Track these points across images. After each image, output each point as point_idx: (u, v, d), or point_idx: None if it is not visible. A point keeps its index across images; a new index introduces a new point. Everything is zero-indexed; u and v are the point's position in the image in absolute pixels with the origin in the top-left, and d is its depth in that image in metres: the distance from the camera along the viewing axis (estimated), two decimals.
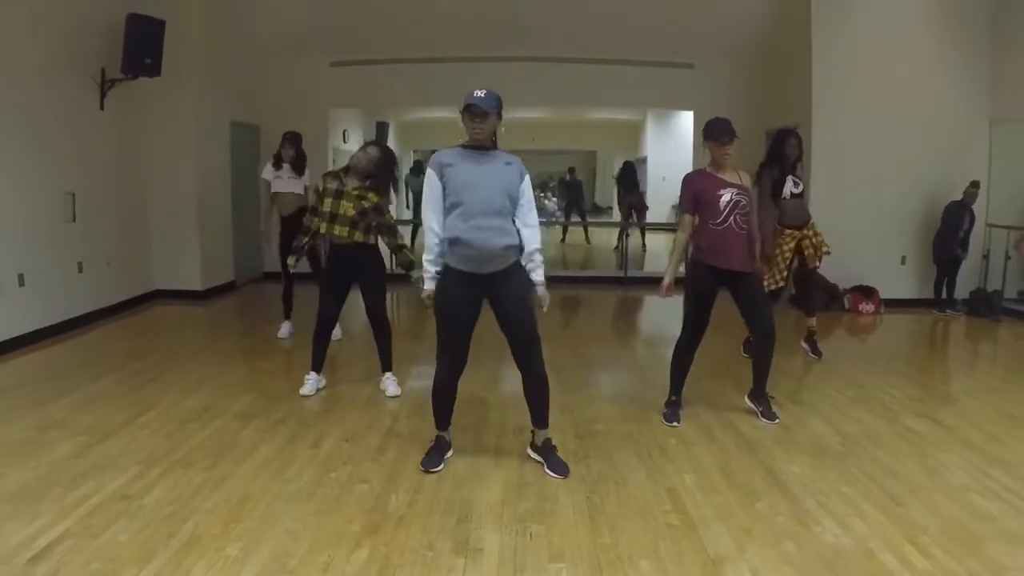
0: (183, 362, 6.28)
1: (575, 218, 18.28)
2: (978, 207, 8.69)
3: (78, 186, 7.51)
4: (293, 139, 7.05)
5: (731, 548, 3.19)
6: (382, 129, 19.25)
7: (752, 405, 4.94)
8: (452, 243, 3.76)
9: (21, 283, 6.68)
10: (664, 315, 10.14)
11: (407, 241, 5.30)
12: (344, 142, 16.69)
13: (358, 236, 5.15)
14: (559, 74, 11.26)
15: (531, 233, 3.89)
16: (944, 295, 8.82)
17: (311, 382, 5.38)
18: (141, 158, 8.82)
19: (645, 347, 7.74)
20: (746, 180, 4.74)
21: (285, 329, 7.16)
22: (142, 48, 7.74)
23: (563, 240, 18.04)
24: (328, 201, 5.11)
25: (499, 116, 3.85)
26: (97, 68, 7.71)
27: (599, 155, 26.92)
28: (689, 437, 4.56)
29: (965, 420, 4.89)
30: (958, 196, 8.60)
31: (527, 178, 3.91)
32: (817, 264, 6.34)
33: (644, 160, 20.83)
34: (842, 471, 4.03)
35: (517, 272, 3.89)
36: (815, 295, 6.81)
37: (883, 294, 8.98)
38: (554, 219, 19.97)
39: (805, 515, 3.49)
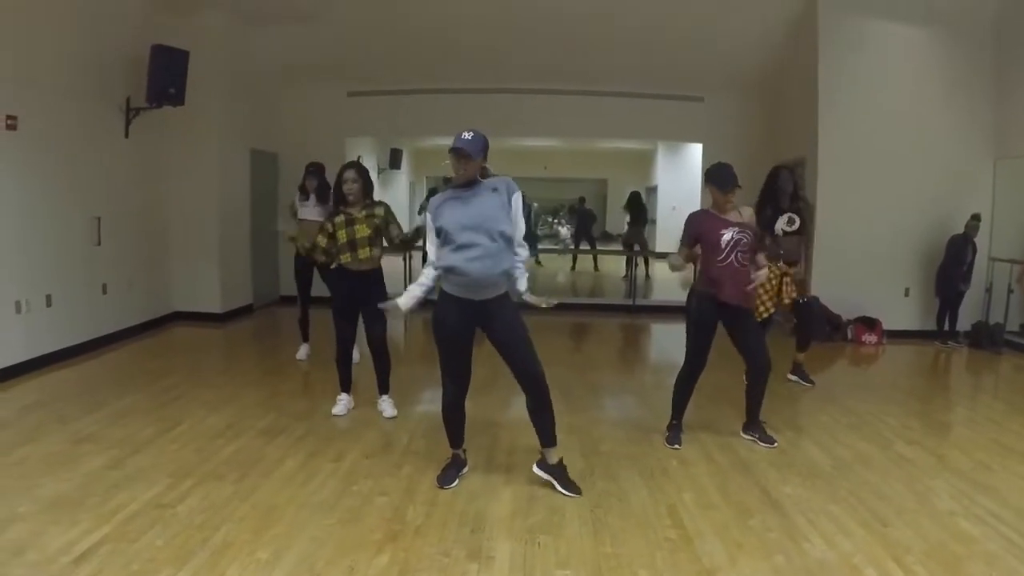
0: (206, 381, 6.53)
1: (584, 245, 18.51)
2: (981, 241, 8.85)
3: (104, 210, 7.78)
4: (316, 170, 7.34)
5: (724, 560, 3.43)
6: (396, 155, 19.56)
7: (748, 437, 5.17)
8: (447, 271, 4.00)
9: (49, 303, 6.93)
10: (670, 343, 10.38)
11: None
12: None
13: (376, 252, 5.45)
14: (571, 105, 11.52)
15: (522, 252, 4.15)
16: (946, 327, 8.94)
17: (343, 402, 5.66)
18: (163, 184, 9.09)
19: (651, 374, 7.98)
20: (747, 215, 4.97)
21: (303, 351, 7.45)
22: (166, 78, 7.98)
23: (573, 268, 18.24)
24: (342, 232, 5.37)
25: (484, 157, 4.08)
26: (123, 97, 8.01)
27: (610, 183, 27.18)
28: (689, 458, 4.80)
29: (957, 449, 5.09)
30: (961, 229, 8.75)
31: (517, 195, 4.07)
32: (787, 301, 6.43)
33: (655, 189, 21.07)
34: (832, 493, 4.25)
35: (508, 300, 4.13)
36: (812, 330, 6.89)
37: (886, 325, 9.11)
38: (567, 245, 20.21)
39: (795, 531, 3.73)
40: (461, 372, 4.18)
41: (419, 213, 15.86)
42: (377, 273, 5.52)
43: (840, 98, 9.18)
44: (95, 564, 3.24)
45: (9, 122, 6.31)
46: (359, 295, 5.45)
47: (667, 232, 19.45)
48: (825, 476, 4.53)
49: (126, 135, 8.13)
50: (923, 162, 9.13)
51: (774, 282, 6.34)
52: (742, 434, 5.21)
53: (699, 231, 4.88)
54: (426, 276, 4.18)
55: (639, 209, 16.60)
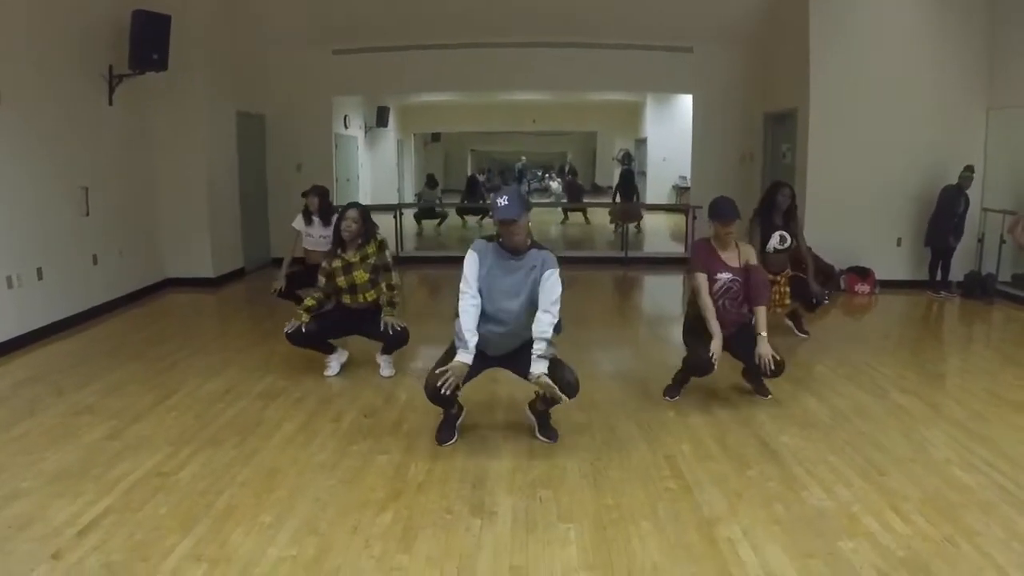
0: (202, 347, 6.52)
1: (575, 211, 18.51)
2: (973, 191, 8.80)
3: (91, 180, 7.65)
4: (317, 191, 7.13)
5: (724, 509, 3.48)
6: (383, 113, 19.37)
7: (746, 383, 5.20)
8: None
9: (40, 277, 6.85)
10: (662, 295, 10.45)
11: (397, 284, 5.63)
12: (345, 127, 16.83)
13: (376, 295, 5.46)
14: (558, 58, 11.39)
15: (546, 318, 3.96)
16: (938, 277, 8.93)
17: (333, 362, 5.65)
18: (150, 150, 8.98)
19: (645, 326, 8.02)
20: (746, 254, 4.91)
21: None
22: (148, 43, 7.83)
23: (564, 221, 18.25)
24: (341, 279, 5.38)
25: (528, 211, 4.03)
26: (105, 65, 7.85)
27: (599, 136, 27.02)
28: (687, 411, 4.84)
29: (952, 399, 5.12)
30: (954, 180, 8.70)
31: (554, 272, 4.01)
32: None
33: (644, 141, 21.01)
34: (830, 443, 4.30)
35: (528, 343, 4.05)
36: (811, 291, 6.80)
37: (878, 275, 9.13)
38: (558, 199, 20.21)
39: (793, 481, 3.77)
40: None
41: (416, 195, 15.66)
42: (374, 310, 5.51)
43: (831, 47, 9.10)
44: (100, 534, 3.25)
45: None
46: (352, 325, 5.53)
47: (657, 182, 19.49)
48: (823, 427, 4.56)
49: (110, 103, 7.99)
50: (915, 112, 9.06)
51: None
52: (741, 376, 5.23)
53: (702, 262, 4.85)
54: (470, 341, 3.98)
55: (630, 187, 16.63)
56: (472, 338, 3.94)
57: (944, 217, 8.74)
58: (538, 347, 3.92)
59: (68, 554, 3.09)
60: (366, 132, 19.04)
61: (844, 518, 3.39)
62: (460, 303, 4.01)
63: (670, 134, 18.26)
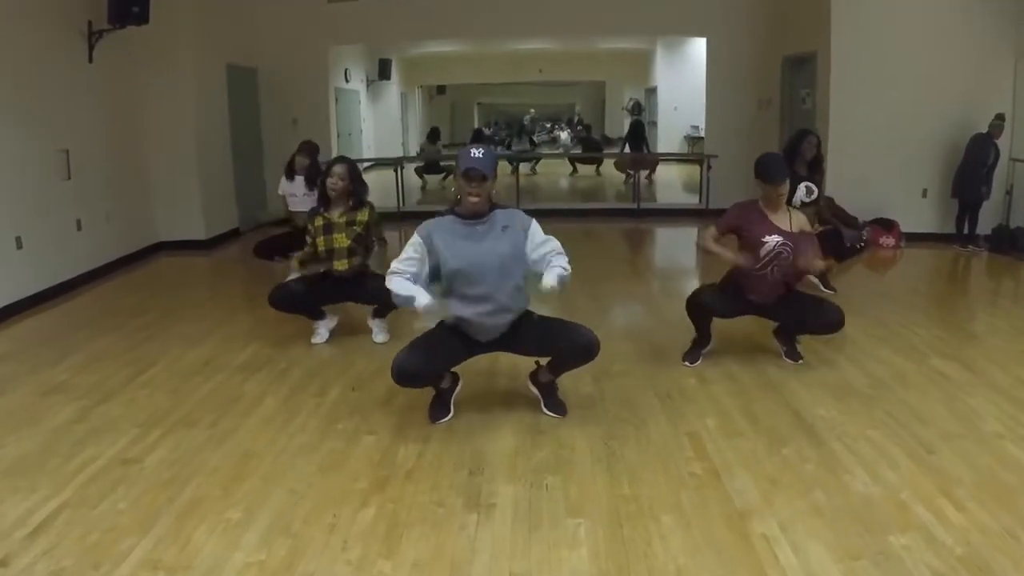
0: (187, 314, 6.16)
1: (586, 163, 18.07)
2: (1002, 142, 8.27)
3: (71, 142, 7.25)
4: (308, 149, 6.69)
5: (757, 499, 3.03)
6: (385, 65, 18.89)
7: (777, 343, 4.74)
8: (458, 319, 3.65)
9: (19, 246, 6.46)
10: (676, 248, 9.99)
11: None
12: (346, 81, 16.41)
13: (357, 261, 5.00)
14: (566, 2, 10.91)
15: (558, 262, 3.57)
16: (966, 230, 8.48)
17: (321, 329, 5.23)
18: (135, 109, 8.54)
19: (659, 280, 7.55)
20: (798, 223, 4.41)
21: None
22: None
23: (573, 172, 17.82)
24: (321, 240, 4.94)
25: (495, 177, 3.59)
26: (84, 20, 7.39)
27: (608, 86, 26.42)
28: (709, 377, 4.38)
29: (992, 362, 4.65)
30: (983, 128, 8.19)
31: (533, 225, 3.63)
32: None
33: (654, 90, 20.51)
34: (870, 415, 3.84)
35: (526, 319, 3.73)
36: (844, 236, 6.44)
37: (903, 228, 8.68)
38: (567, 150, 19.90)
39: (834, 462, 3.33)
40: (438, 367, 3.74)
41: (416, 169, 15.21)
42: (363, 275, 5.04)
43: None
44: (52, 536, 2.86)
45: None
46: (342, 292, 5.11)
47: (669, 133, 19.01)
48: (861, 396, 4.11)
49: (90, 60, 7.53)
50: (942, 57, 8.48)
51: None
52: (773, 337, 4.77)
53: (739, 225, 4.35)
54: (415, 289, 3.55)
55: (640, 138, 16.24)
56: (415, 285, 3.53)
57: (973, 167, 8.22)
58: (557, 262, 3.57)
59: (16, 560, 2.72)
60: (368, 85, 18.60)
61: (893, 507, 2.95)
62: (389, 278, 3.60)
63: (681, 83, 17.80)
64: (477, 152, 3.51)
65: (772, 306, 4.46)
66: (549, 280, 3.46)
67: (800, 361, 4.61)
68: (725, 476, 3.22)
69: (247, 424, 3.87)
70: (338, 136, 14.80)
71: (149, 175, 8.81)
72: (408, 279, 3.55)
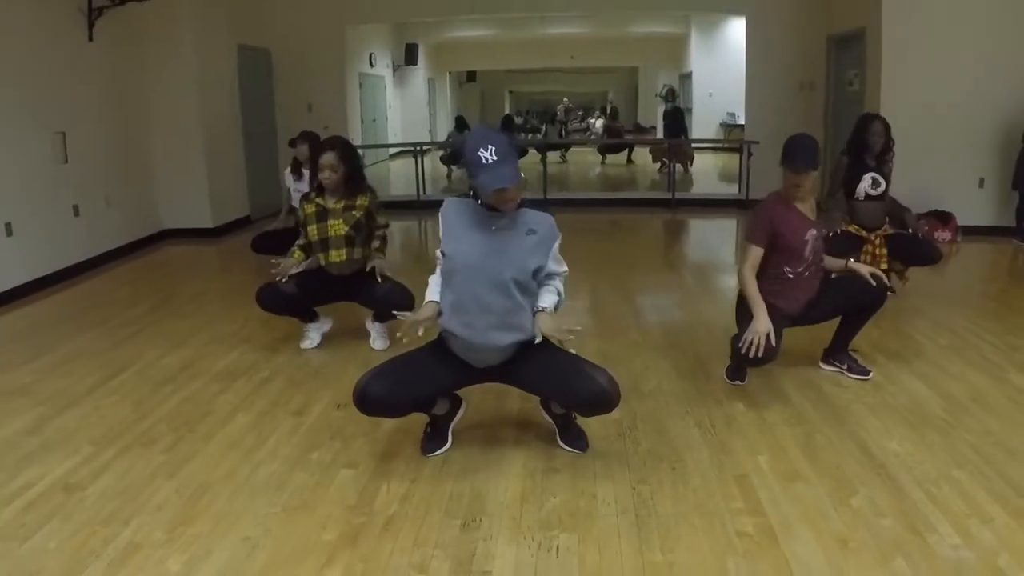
0: (178, 308, 5.74)
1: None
2: None
3: (69, 125, 6.92)
4: (306, 137, 6.15)
5: (824, 569, 2.39)
6: (411, 50, 18.45)
7: (833, 368, 4.09)
8: (445, 332, 3.05)
9: (9, 233, 6.14)
10: (717, 240, 9.33)
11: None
12: (371, 66, 16.01)
13: (357, 254, 4.44)
14: None
15: (554, 288, 3.06)
16: None
17: (312, 333, 4.69)
18: (138, 90, 8.17)
19: (697, 279, 6.86)
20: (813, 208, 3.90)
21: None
22: None
23: (603, 162, 17.29)
24: (313, 228, 4.38)
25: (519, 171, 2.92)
26: None
27: (641, 72, 25.80)
28: (759, 400, 3.73)
29: None
30: None
31: (559, 242, 3.03)
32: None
33: (689, 76, 20.02)
34: (951, 449, 3.19)
35: (527, 349, 3.05)
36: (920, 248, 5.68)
37: (960, 220, 8.02)
38: (601, 138, 19.50)
39: (915, 515, 2.67)
40: (419, 390, 3.09)
41: (442, 159, 14.66)
42: (361, 275, 4.44)
43: None
44: None
45: None
46: (338, 292, 4.54)
47: (704, 119, 18.49)
48: (938, 424, 3.44)
49: (90, 38, 7.19)
50: (1004, 34, 7.79)
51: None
52: (822, 365, 4.11)
53: (776, 225, 3.71)
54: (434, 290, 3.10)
55: (678, 126, 15.57)
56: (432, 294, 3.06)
57: None
58: (551, 285, 3.05)
59: None
60: (394, 71, 18.14)
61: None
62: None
63: (717, 67, 17.35)
64: (489, 155, 2.78)
65: (809, 308, 3.85)
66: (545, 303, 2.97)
67: (869, 376, 3.97)
68: (783, 537, 2.55)
69: (209, 448, 3.31)
70: (362, 122, 14.34)
71: (152, 159, 8.47)
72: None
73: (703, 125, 18.54)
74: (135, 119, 8.13)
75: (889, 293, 5.45)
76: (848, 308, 3.93)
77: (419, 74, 20.40)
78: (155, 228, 8.45)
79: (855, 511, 2.70)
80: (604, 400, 2.94)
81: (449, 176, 14.48)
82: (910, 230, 5.58)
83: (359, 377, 3.00)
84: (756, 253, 3.70)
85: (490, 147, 2.76)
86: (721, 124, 18.08)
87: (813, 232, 3.73)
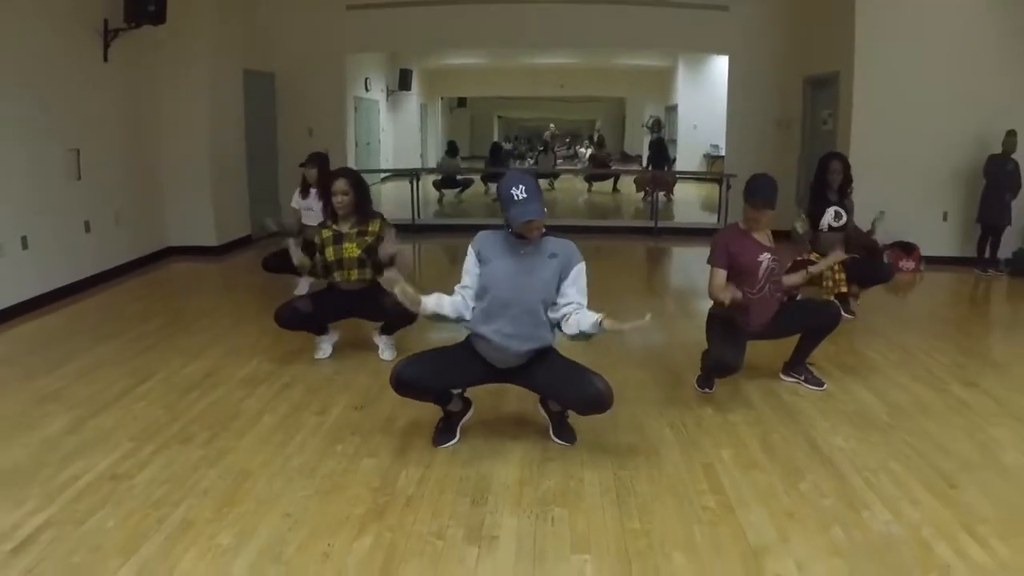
0: (191, 323, 6.07)
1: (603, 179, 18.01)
2: None
3: (82, 142, 7.20)
4: (315, 159, 6.58)
5: (773, 536, 2.88)
6: (405, 76, 18.90)
7: (790, 378, 4.59)
8: (474, 336, 3.56)
9: (24, 246, 6.39)
10: (696, 266, 9.79)
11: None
12: (366, 90, 16.42)
13: (368, 275, 4.88)
14: (587, 15, 10.80)
15: (582, 313, 3.46)
16: (987, 254, 8.36)
17: (324, 343, 5.12)
18: (149, 110, 8.52)
19: (676, 302, 7.37)
20: (769, 237, 4.39)
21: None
22: None
23: (589, 190, 17.74)
24: (330, 250, 4.83)
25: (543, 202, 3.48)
26: (99, 18, 7.36)
27: (628, 102, 26.38)
28: (725, 405, 4.23)
29: (1015, 391, 4.52)
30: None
31: (580, 265, 3.51)
32: (829, 296, 5.79)
33: (675, 108, 20.45)
34: (890, 446, 3.70)
35: (545, 355, 3.59)
36: (874, 270, 6.33)
37: (923, 251, 8.53)
38: (586, 165, 19.88)
39: (853, 497, 3.18)
40: (449, 379, 3.62)
41: (434, 183, 15.10)
42: (373, 290, 4.85)
43: (878, 6, 8.45)
44: (35, 554, 2.75)
45: None
46: (349, 307, 4.98)
47: (688, 150, 18.98)
48: (880, 426, 3.95)
49: (105, 59, 7.51)
50: (966, 78, 8.36)
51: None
52: (782, 376, 4.61)
53: (732, 251, 4.21)
54: (453, 305, 3.53)
55: (663, 156, 16.27)
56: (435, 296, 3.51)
57: (996, 190, 8.09)
58: (583, 313, 3.44)
59: None
60: (388, 95, 18.60)
61: (915, 546, 2.80)
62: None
63: (702, 101, 17.77)
64: (520, 193, 3.32)
65: (771, 325, 4.34)
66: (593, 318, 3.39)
67: (824, 387, 4.46)
68: (740, 510, 3.06)
69: (243, 443, 3.74)
70: (356, 146, 14.76)
71: (161, 178, 8.78)
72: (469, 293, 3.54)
73: (688, 156, 18.97)
74: (145, 137, 8.44)
75: (849, 316, 6.02)
76: (804, 328, 4.44)
77: (412, 99, 20.85)
78: (160, 245, 8.76)
79: (802, 493, 3.21)
80: (600, 401, 3.43)
81: (440, 201, 14.88)
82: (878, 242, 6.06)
83: (395, 363, 3.55)
84: (720, 274, 4.20)
85: (521, 186, 3.31)
86: (705, 155, 18.50)
87: (767, 255, 4.22)
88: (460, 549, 2.80)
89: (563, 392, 3.56)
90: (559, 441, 3.71)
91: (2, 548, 2.78)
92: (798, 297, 5.10)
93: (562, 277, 3.46)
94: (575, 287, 3.48)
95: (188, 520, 3.00)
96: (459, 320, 3.54)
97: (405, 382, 3.47)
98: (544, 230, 3.48)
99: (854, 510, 3.06)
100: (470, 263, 3.53)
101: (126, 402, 4.30)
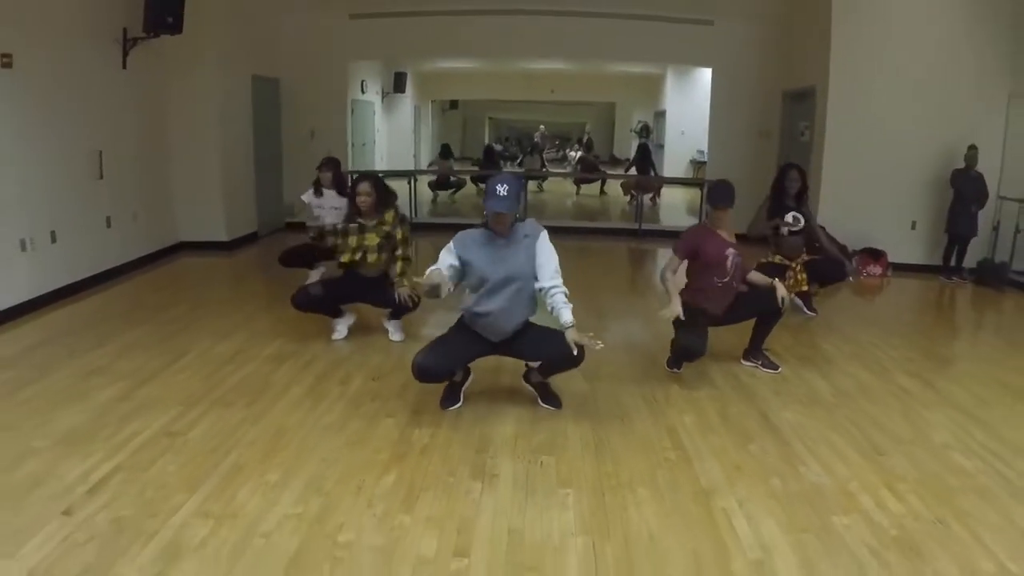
0: (213, 310, 6.54)
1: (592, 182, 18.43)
2: (991, 179, 8.63)
3: (104, 144, 7.63)
4: (330, 164, 7.14)
5: (722, 481, 3.53)
6: (400, 79, 19.29)
7: (749, 363, 5.23)
8: (476, 315, 4.14)
9: (53, 240, 6.82)
10: None
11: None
12: (362, 93, 16.80)
13: (385, 257, 5.50)
14: (578, 27, 11.31)
15: (563, 308, 4.03)
16: (953, 263, 8.80)
17: (341, 326, 5.71)
18: (164, 114, 8.97)
19: (656, 299, 7.93)
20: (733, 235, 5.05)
21: (315, 276, 7.11)
22: (163, 6, 7.77)
23: (577, 193, 18.19)
24: (354, 239, 5.43)
25: (519, 204, 4.14)
26: (119, 28, 7.79)
27: (618, 107, 26.85)
28: (691, 383, 4.88)
29: (957, 384, 5.07)
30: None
31: (543, 233, 4.14)
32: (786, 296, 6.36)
33: (663, 114, 20.88)
34: (831, 420, 4.32)
35: (528, 327, 4.24)
36: (833, 269, 6.76)
37: (892, 258, 9.02)
38: (574, 168, 20.23)
39: (792, 456, 3.82)
40: (452, 361, 4.25)
41: (429, 184, 15.61)
42: (382, 279, 5.57)
43: (853, 26, 8.97)
44: (110, 492, 3.29)
45: (3, 60, 6.12)
46: (360, 293, 5.61)
47: (675, 156, 19.43)
48: (825, 404, 4.59)
49: (124, 66, 7.94)
50: (936, 95, 8.88)
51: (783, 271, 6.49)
52: (742, 361, 5.27)
53: (700, 247, 4.87)
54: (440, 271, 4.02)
55: (646, 161, 16.63)
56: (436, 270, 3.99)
57: (963, 202, 8.57)
58: (558, 298, 4.02)
59: (79, 511, 3.14)
60: (383, 97, 18.99)
61: (840, 495, 3.42)
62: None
63: (689, 108, 18.19)
64: (502, 189, 3.96)
65: (729, 310, 5.02)
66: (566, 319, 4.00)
67: (779, 370, 5.11)
68: (696, 461, 3.73)
69: (278, 406, 4.34)
70: (352, 146, 15.24)
71: (175, 177, 9.21)
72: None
73: (675, 161, 19.40)
74: (161, 140, 8.90)
75: (811, 314, 6.62)
76: (754, 314, 5.11)
77: (406, 101, 21.24)
78: (172, 240, 9.22)
79: (749, 452, 3.87)
80: (572, 358, 4.06)
81: (435, 201, 15.40)
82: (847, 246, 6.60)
83: (415, 356, 4.13)
84: (675, 261, 4.90)
85: (505, 186, 3.97)
86: (691, 161, 18.92)
87: (732, 251, 4.87)
88: (467, 484, 3.45)
89: (546, 350, 4.19)
90: (547, 406, 4.38)
91: (79, 489, 3.32)
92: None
93: (538, 251, 4.07)
94: (545, 255, 4.07)
95: (239, 464, 3.60)
96: (452, 280, 4.05)
97: (425, 370, 4.10)
98: (513, 224, 4.09)
99: (792, 466, 3.70)
100: (445, 253, 4.10)
101: (167, 375, 4.83)
